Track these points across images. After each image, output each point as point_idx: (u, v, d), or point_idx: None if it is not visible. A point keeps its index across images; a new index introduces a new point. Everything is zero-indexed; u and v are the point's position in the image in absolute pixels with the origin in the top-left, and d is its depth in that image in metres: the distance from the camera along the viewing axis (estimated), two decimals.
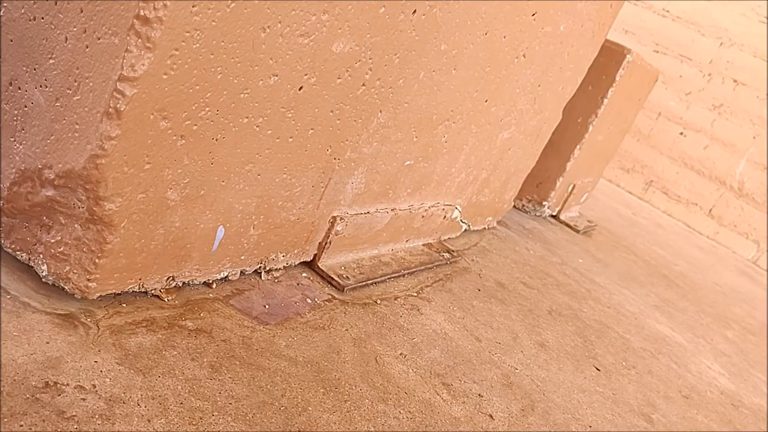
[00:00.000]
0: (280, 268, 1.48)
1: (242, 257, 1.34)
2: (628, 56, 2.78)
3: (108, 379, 0.96)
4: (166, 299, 1.20)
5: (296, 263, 1.54)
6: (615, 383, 1.74)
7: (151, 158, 1.00)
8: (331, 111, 1.29)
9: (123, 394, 0.94)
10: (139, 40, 0.88)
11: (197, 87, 0.99)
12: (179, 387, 1.00)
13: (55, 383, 0.91)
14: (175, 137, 1.01)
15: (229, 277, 1.34)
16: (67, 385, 0.91)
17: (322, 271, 1.56)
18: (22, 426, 0.82)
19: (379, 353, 1.36)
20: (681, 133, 5.29)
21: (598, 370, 1.78)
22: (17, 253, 1.09)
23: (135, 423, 0.90)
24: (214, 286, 1.31)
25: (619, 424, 1.53)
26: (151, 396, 0.96)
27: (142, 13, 0.87)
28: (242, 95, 1.07)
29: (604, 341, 2.00)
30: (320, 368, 1.22)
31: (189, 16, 0.90)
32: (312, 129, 1.28)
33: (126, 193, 1.00)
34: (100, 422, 0.88)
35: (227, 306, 1.27)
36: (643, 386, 1.81)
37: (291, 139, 1.24)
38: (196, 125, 1.03)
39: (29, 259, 1.08)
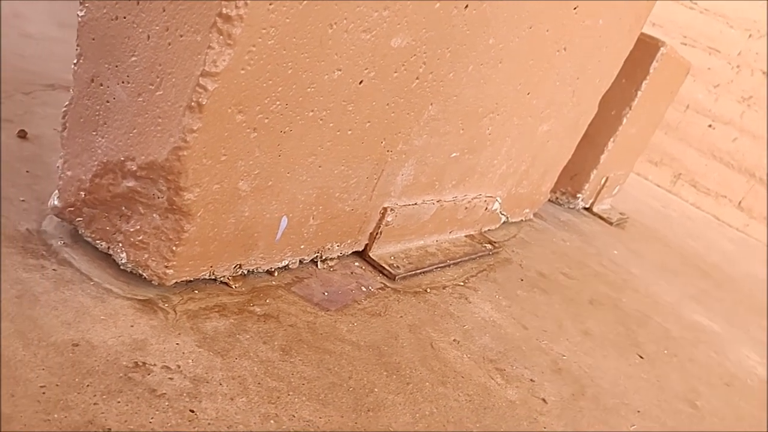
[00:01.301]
0: (334, 258, 1.52)
1: (302, 246, 1.39)
2: (662, 49, 2.79)
3: (190, 361, 1.01)
4: (233, 286, 1.25)
5: (348, 253, 1.58)
6: (659, 370, 1.77)
7: (227, 150, 1.04)
8: (387, 104, 1.33)
9: (206, 375, 0.99)
10: (221, 37, 0.93)
11: (270, 82, 1.03)
12: (255, 368, 1.05)
13: (144, 363, 0.96)
14: (248, 130, 1.06)
15: (289, 266, 1.39)
16: (155, 365, 0.96)
17: (373, 260, 1.60)
18: (119, 402, 0.87)
19: (433, 339, 1.40)
20: (710, 126, 5.26)
21: (641, 357, 1.81)
22: (97, 242, 1.14)
23: (219, 401, 0.95)
24: (275, 274, 1.36)
25: (666, 410, 1.56)
26: (231, 376, 1.01)
27: (224, 11, 0.91)
28: (309, 89, 1.12)
29: (645, 330, 2.02)
30: (381, 352, 1.26)
31: (266, 14, 0.95)
32: (369, 122, 1.32)
33: (203, 184, 1.04)
34: (188, 400, 0.93)
35: (290, 293, 1.32)
36: (685, 373, 1.84)
37: (350, 132, 1.29)
38: (267, 118, 1.08)
39: (108, 247, 1.13)
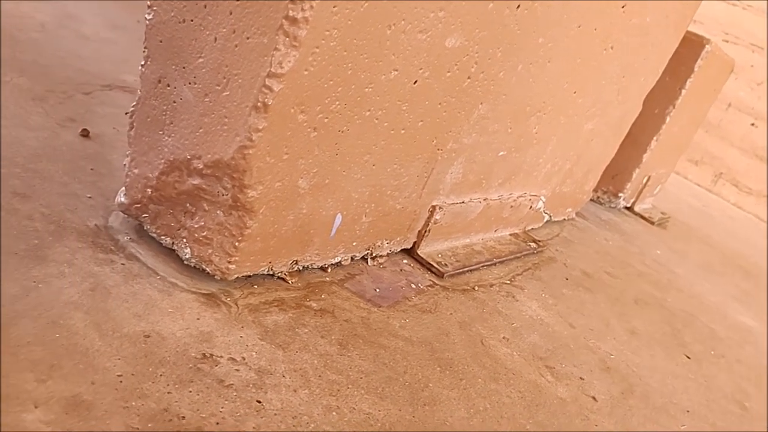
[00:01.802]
0: (384, 255, 1.55)
1: (354, 243, 1.41)
2: (707, 46, 2.76)
3: (254, 353, 1.04)
4: (290, 281, 1.28)
5: (397, 250, 1.60)
6: (706, 371, 1.76)
7: (289, 149, 1.07)
8: (439, 103, 1.35)
9: (269, 367, 1.02)
10: (287, 39, 0.95)
11: (331, 82, 1.06)
12: (315, 361, 1.08)
13: (211, 355, 0.99)
14: (309, 129, 1.08)
15: (341, 262, 1.42)
16: (221, 357, 1.00)
17: (422, 258, 1.62)
18: (191, 392, 0.90)
19: (483, 336, 1.41)
20: (752, 124, 5.17)
21: (688, 357, 1.80)
22: (162, 237, 1.18)
23: (283, 392, 0.98)
24: (329, 270, 1.38)
25: (714, 410, 1.55)
26: (293, 369, 1.04)
27: (290, 13, 0.94)
28: (367, 89, 1.14)
29: (691, 330, 2.01)
30: (434, 348, 1.28)
31: (330, 16, 0.97)
32: (422, 121, 1.34)
33: (266, 182, 1.07)
34: (254, 391, 0.96)
35: (343, 289, 1.35)
36: (733, 374, 1.82)
37: (403, 131, 1.31)
38: (327, 118, 1.10)
39: (173, 243, 1.17)
